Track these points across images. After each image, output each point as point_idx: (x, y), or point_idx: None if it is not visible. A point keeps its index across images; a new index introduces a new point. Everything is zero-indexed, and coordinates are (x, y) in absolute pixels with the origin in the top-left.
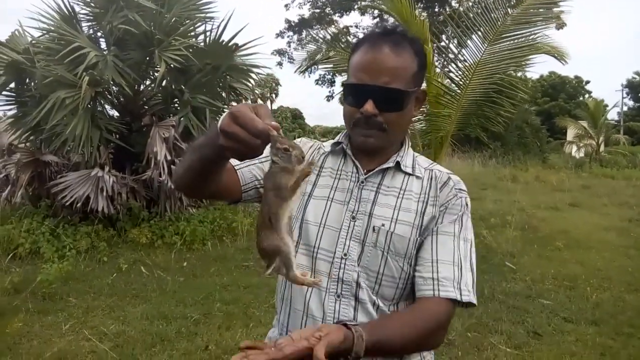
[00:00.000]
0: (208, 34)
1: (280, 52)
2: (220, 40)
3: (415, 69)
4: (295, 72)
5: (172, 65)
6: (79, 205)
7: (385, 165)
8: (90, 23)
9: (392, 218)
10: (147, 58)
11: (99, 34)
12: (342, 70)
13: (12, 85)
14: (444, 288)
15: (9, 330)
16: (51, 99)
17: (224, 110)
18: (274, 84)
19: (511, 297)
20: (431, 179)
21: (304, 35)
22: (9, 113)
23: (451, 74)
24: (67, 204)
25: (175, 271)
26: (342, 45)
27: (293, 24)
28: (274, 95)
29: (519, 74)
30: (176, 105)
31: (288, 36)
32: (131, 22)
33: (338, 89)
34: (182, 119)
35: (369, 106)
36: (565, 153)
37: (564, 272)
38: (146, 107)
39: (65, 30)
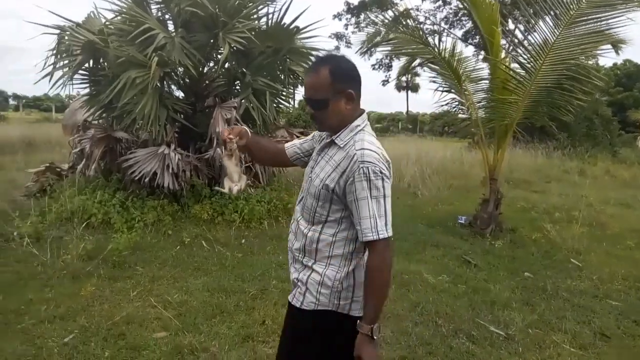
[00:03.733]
0: (270, 16)
1: (337, 36)
2: (282, 23)
3: (329, 81)
4: (356, 53)
5: (235, 48)
6: (146, 180)
7: (327, 141)
8: (159, 5)
9: (318, 174)
10: (212, 40)
11: (167, 16)
12: (402, 54)
13: (88, 65)
14: (365, 235)
15: (84, 293)
16: (123, 78)
17: (283, 92)
18: None
19: (576, 295)
20: (348, 154)
21: (362, 18)
22: (83, 91)
23: (520, 58)
24: (136, 178)
25: (234, 247)
26: (401, 29)
27: (352, 6)
28: None
29: (590, 62)
30: (238, 87)
31: (346, 19)
32: (198, 4)
33: (395, 73)
34: (243, 100)
35: (308, 110)
36: (639, 147)
37: (635, 273)
38: (209, 88)
39: (136, 12)
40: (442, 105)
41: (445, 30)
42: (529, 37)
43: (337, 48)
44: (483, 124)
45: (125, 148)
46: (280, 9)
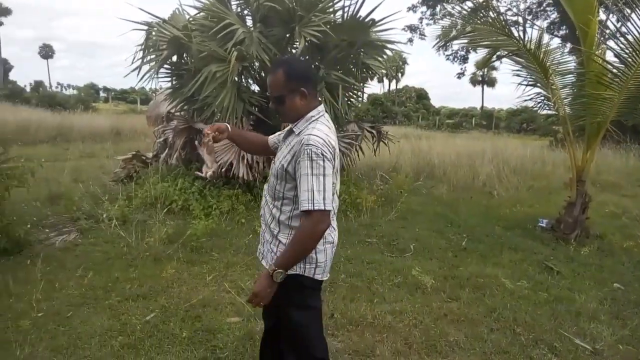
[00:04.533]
0: (346, 9)
1: (411, 28)
2: (358, 16)
3: (283, 79)
4: (434, 46)
5: (310, 42)
6: (223, 170)
7: (286, 129)
8: (239, 1)
9: (279, 157)
10: (288, 34)
11: (246, 11)
12: (482, 46)
13: (172, 59)
14: (302, 205)
15: (164, 274)
16: (204, 72)
17: (356, 86)
18: (400, 63)
19: None
20: (299, 139)
21: (437, 10)
22: (167, 85)
23: (619, 50)
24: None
25: None
26: (480, 21)
27: None
28: (399, 75)
29: None
30: None
31: (421, 12)
32: None
33: (471, 67)
34: None
35: (271, 105)
36: None
37: None
38: None
39: (218, 8)
40: (526, 100)
41: (528, 22)
42: (623, 27)
43: (411, 41)
44: (571, 120)
45: None
46: (356, 2)
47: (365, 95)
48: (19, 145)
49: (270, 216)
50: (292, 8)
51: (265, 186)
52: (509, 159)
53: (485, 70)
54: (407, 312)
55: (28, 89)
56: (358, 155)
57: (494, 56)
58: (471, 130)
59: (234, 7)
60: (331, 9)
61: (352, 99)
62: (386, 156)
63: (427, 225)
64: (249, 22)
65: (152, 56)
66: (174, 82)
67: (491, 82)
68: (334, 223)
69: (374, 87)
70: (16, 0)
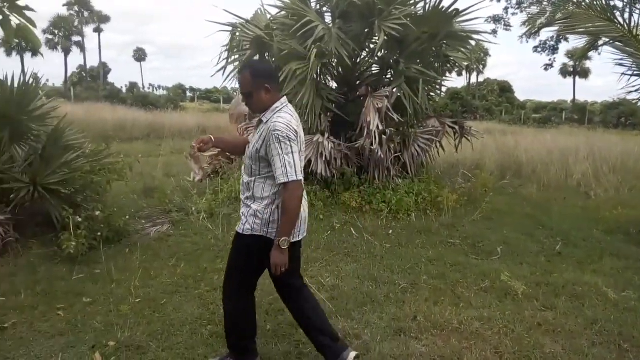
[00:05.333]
0: (428, 0)
1: (495, 19)
2: (440, 7)
3: (250, 78)
4: (521, 37)
5: (389, 35)
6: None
7: (257, 119)
8: None
9: (252, 142)
10: (366, 29)
11: (324, 8)
12: (577, 33)
13: (255, 59)
14: (279, 179)
15: None
16: (285, 70)
17: (437, 80)
18: (481, 54)
19: None
20: (268, 126)
21: None
22: None
23: None
24: None
25: (382, 237)
26: (575, 5)
27: None
28: (480, 67)
29: None
30: (390, 76)
31: (506, 1)
32: None
33: (561, 57)
34: (395, 89)
35: (242, 100)
36: None
37: None
38: (361, 78)
39: (298, 6)
40: (631, 92)
41: (629, 6)
42: None
43: (495, 32)
44: None
45: None
46: None
47: (444, 89)
48: (117, 142)
49: (246, 188)
50: (372, 2)
51: (242, 167)
52: (607, 156)
53: (577, 60)
54: (496, 320)
55: (124, 90)
56: (438, 152)
57: (594, 44)
58: (561, 125)
59: (313, 4)
60: (412, 1)
61: (432, 93)
62: (468, 153)
63: (515, 227)
64: (328, 19)
65: (236, 56)
66: None
67: (584, 73)
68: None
69: (454, 81)
70: (114, 7)
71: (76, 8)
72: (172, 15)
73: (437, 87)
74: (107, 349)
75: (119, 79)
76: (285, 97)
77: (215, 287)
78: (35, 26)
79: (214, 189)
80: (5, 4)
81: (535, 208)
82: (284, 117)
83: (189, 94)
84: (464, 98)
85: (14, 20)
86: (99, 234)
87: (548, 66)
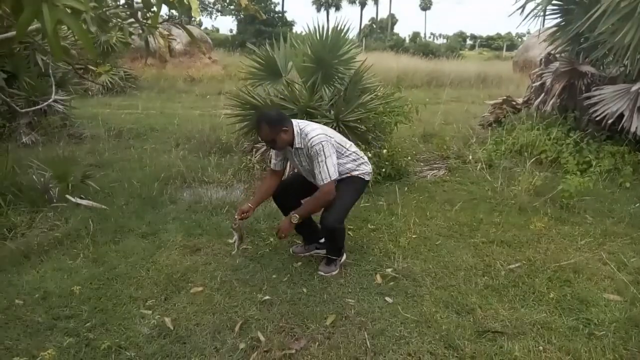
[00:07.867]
0: None
1: None
2: None
3: (269, 129)
4: None
5: None
6: (609, 122)
7: (293, 149)
8: None
9: (302, 162)
10: None
11: None
12: None
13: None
14: (319, 181)
15: (532, 227)
16: (603, 4)
17: None
18: None
19: None
20: (306, 146)
21: None
22: (552, 23)
23: None
24: (597, 119)
25: None
26: None
27: None
28: None
29: None
30: None
31: None
32: None
33: None
34: None
35: (268, 146)
36: None
37: None
38: None
39: None
40: None
41: None
42: None
43: None
44: None
45: (588, 84)
46: None
47: None
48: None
49: (315, 181)
50: None
51: (304, 173)
52: None
53: None
54: None
55: (407, 40)
56: None
57: None
58: None
59: None
60: None
61: None
62: None
63: None
64: None
65: None
66: (560, 20)
67: None
68: (365, 159)
69: None
70: None
71: None
72: None
73: None
74: (385, 272)
75: (405, 28)
76: (291, 121)
77: (492, 240)
78: None
79: (494, 139)
80: None
81: None
82: (308, 131)
83: (469, 41)
84: None
85: None
86: (383, 170)
87: None
